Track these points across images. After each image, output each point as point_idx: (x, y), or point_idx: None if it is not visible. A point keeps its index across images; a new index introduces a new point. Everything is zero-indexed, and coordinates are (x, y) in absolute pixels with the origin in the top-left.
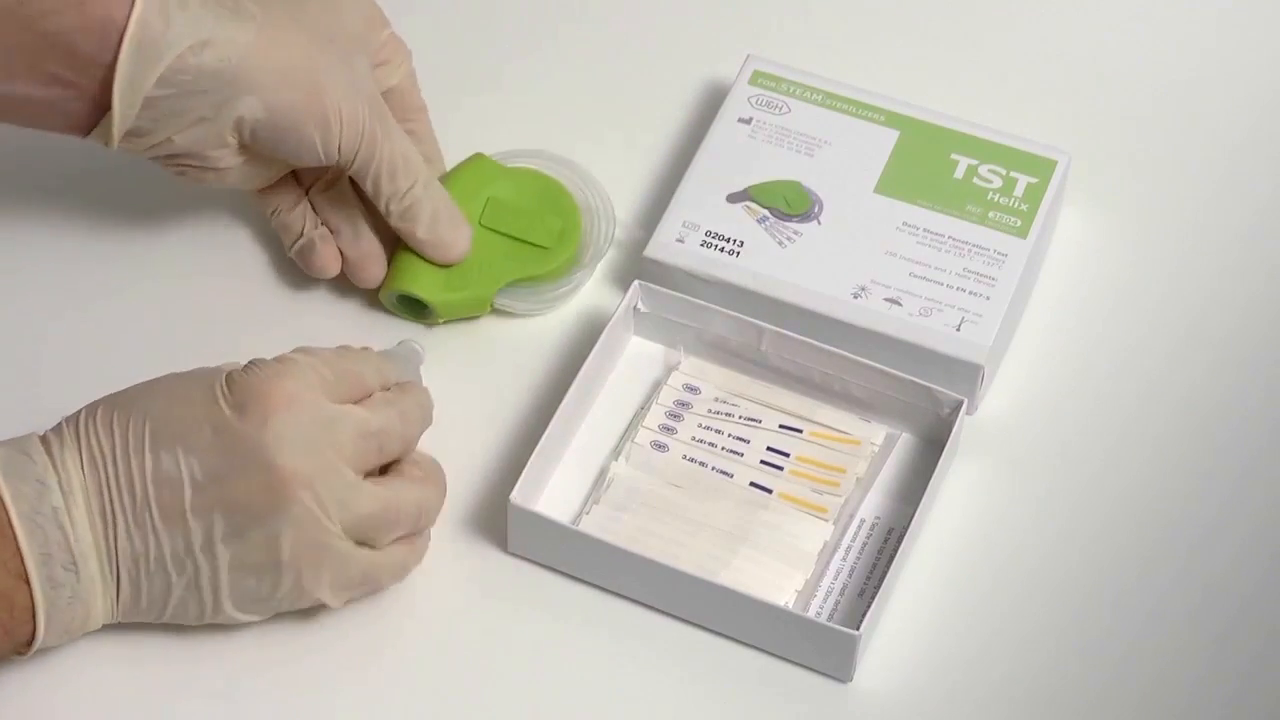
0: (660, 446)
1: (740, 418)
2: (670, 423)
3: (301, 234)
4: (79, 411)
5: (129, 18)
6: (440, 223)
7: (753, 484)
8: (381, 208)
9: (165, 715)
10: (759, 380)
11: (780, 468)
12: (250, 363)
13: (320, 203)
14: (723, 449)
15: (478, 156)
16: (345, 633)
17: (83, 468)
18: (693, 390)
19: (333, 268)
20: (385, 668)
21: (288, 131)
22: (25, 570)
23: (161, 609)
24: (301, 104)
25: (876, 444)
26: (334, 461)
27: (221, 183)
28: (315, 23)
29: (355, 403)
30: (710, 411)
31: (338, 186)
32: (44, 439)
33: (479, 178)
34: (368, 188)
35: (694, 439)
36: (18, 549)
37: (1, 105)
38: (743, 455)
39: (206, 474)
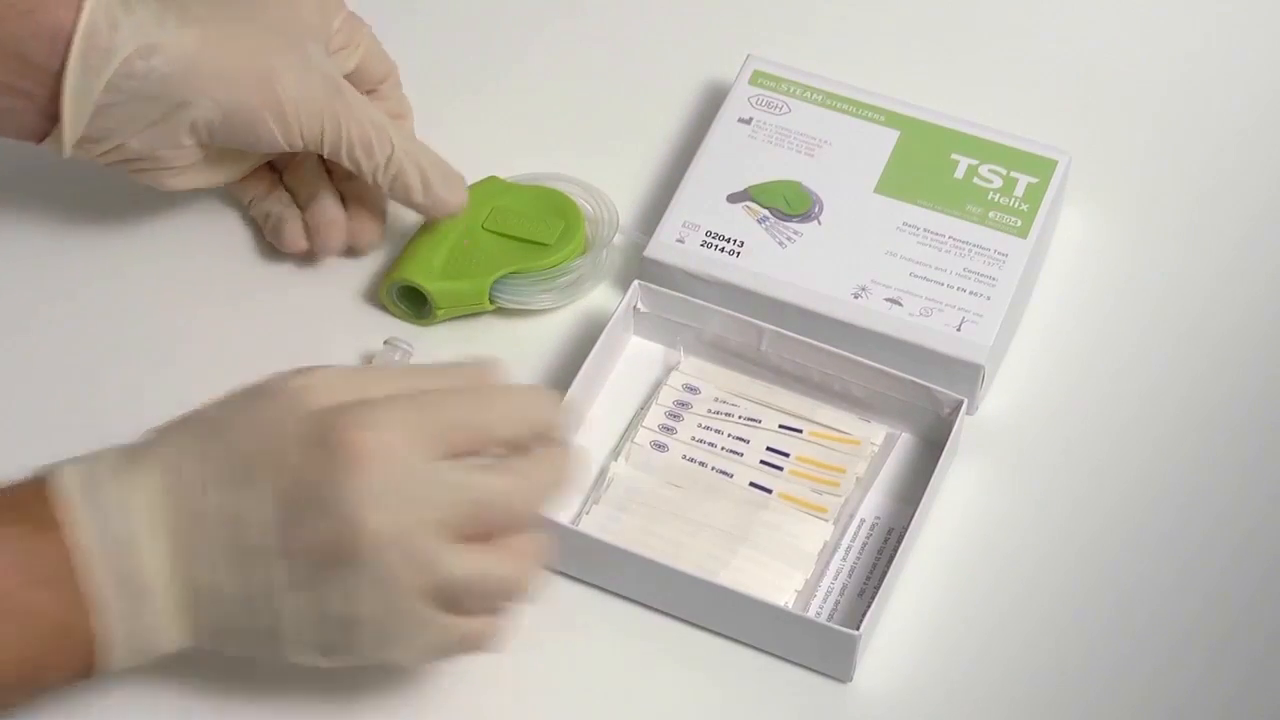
0: (660, 446)
1: (740, 418)
2: (670, 423)
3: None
4: (156, 431)
5: (76, 24)
6: (432, 182)
7: (752, 484)
8: (370, 182)
9: None
10: (759, 380)
11: (780, 468)
12: (350, 405)
13: (289, 181)
14: (722, 449)
15: (491, 178)
16: None
17: (159, 494)
18: (692, 390)
19: (300, 242)
20: (384, 666)
21: (244, 127)
22: (95, 600)
23: (229, 643)
24: (254, 99)
25: (876, 444)
26: (422, 524)
27: (184, 184)
28: (264, 17)
29: (472, 452)
30: (710, 412)
31: (305, 162)
32: (120, 460)
33: (488, 192)
34: (347, 165)
35: (694, 439)
36: (88, 577)
37: None
38: (742, 455)
39: (288, 518)
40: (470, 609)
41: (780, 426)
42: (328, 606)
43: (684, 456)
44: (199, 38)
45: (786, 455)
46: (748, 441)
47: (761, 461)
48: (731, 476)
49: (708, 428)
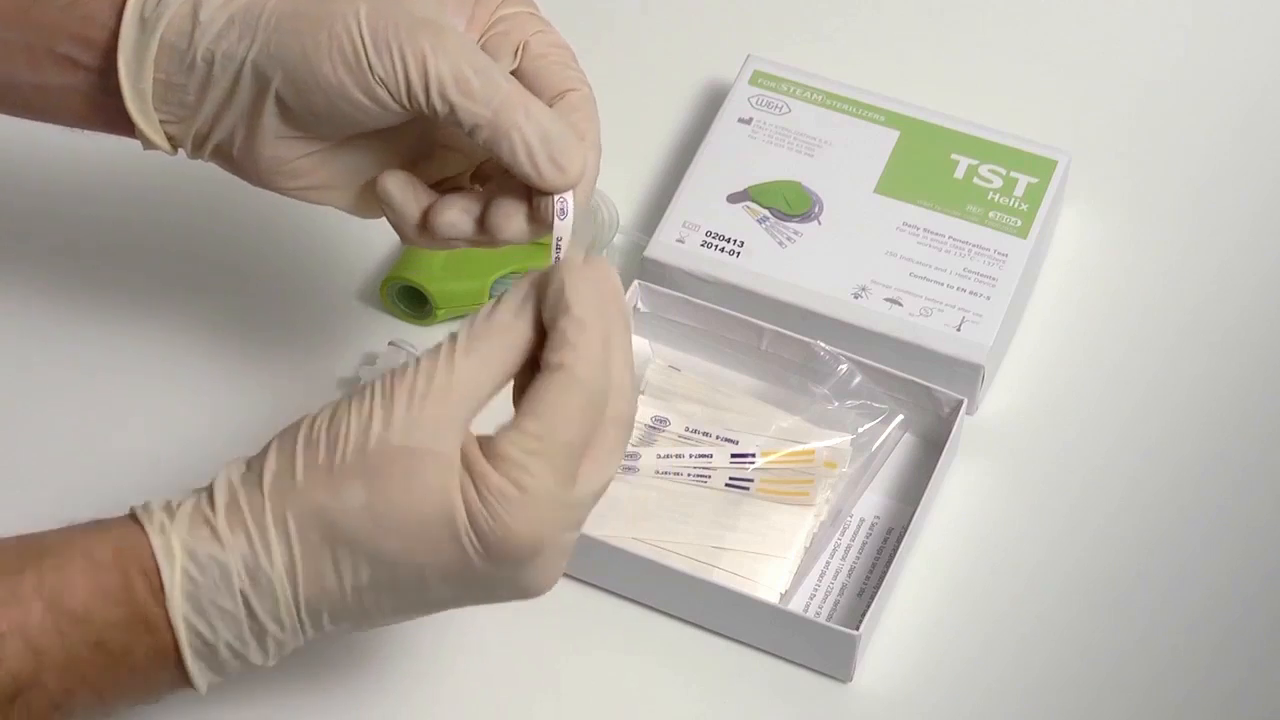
0: (630, 469)
1: (691, 455)
2: (630, 462)
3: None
4: (279, 529)
5: None
6: (534, 148)
7: (729, 483)
8: (470, 137)
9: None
10: (742, 381)
11: (746, 488)
12: (486, 491)
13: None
14: (690, 475)
15: None
16: None
17: (298, 603)
18: (662, 421)
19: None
20: (379, 666)
21: (309, 80)
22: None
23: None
24: (313, 39)
25: (833, 444)
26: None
27: (310, 179)
28: None
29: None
30: (662, 456)
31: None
32: (248, 569)
33: None
34: (441, 113)
35: (658, 472)
36: (184, 669)
37: (33, 97)
38: (709, 478)
39: (459, 598)
40: None
41: (732, 458)
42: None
43: (657, 471)
44: None
45: (750, 482)
46: (708, 477)
47: (727, 486)
48: (708, 479)
49: (672, 455)
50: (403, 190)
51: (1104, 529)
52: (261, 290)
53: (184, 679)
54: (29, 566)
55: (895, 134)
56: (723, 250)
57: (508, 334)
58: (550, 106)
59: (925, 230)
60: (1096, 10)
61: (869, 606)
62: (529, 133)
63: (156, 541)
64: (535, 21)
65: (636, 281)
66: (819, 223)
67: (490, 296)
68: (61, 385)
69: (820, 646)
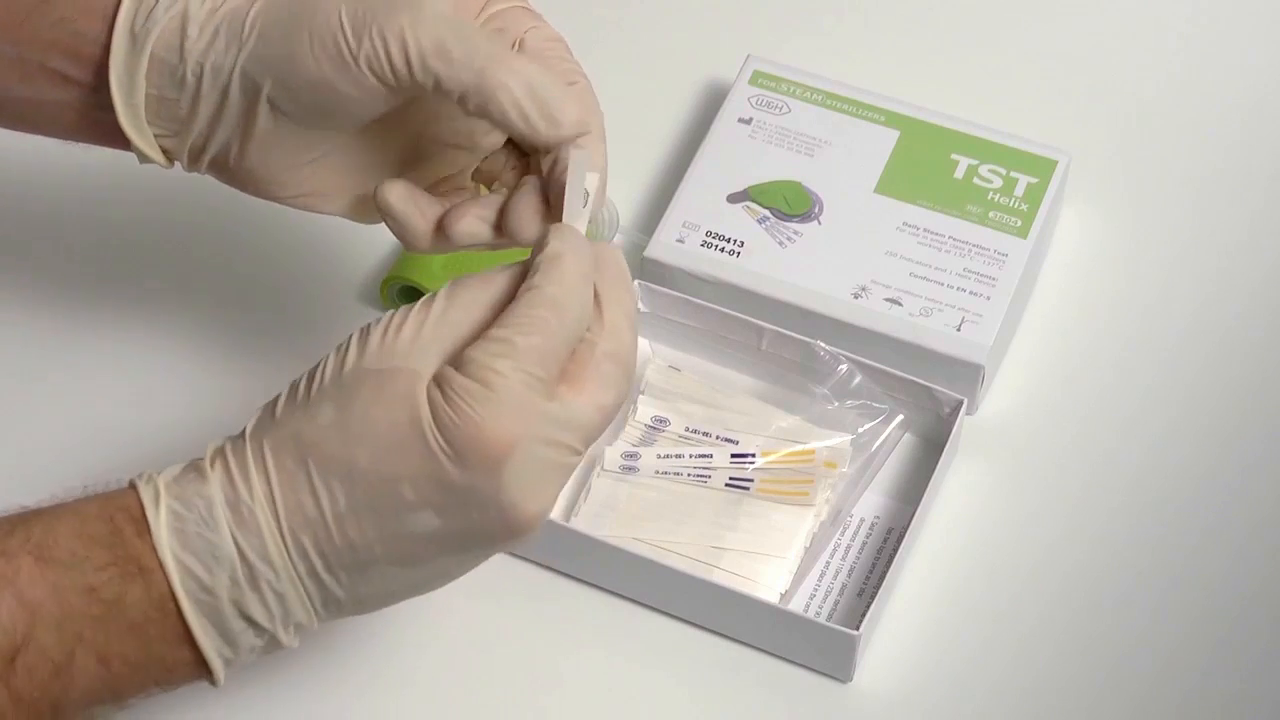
0: (629, 470)
1: (691, 455)
2: (630, 462)
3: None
4: (257, 459)
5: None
6: (524, 105)
7: (729, 483)
8: (460, 105)
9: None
10: (742, 381)
11: (746, 488)
12: (452, 391)
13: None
14: (690, 475)
15: None
16: (338, 630)
17: (283, 536)
18: (656, 425)
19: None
20: (378, 665)
21: (292, 73)
22: (201, 655)
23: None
24: (292, 35)
25: (833, 444)
26: (567, 474)
27: (312, 183)
28: None
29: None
30: (662, 456)
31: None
32: (228, 502)
33: None
34: (425, 83)
35: (658, 472)
36: (190, 636)
37: (29, 111)
38: (709, 478)
39: (444, 527)
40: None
41: (732, 458)
42: (477, 560)
43: (657, 471)
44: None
45: (750, 482)
46: (708, 477)
47: (726, 485)
48: (708, 478)
49: (672, 455)
50: (404, 201)
51: (1104, 529)
52: (262, 291)
53: (195, 657)
54: (17, 528)
55: (895, 134)
56: (723, 250)
57: (491, 284)
58: None
59: (925, 230)
60: (1096, 11)
61: (869, 606)
62: (516, 89)
63: (144, 492)
64: (528, 17)
65: (637, 281)
66: (819, 223)
67: None
68: (61, 390)
69: (820, 646)
